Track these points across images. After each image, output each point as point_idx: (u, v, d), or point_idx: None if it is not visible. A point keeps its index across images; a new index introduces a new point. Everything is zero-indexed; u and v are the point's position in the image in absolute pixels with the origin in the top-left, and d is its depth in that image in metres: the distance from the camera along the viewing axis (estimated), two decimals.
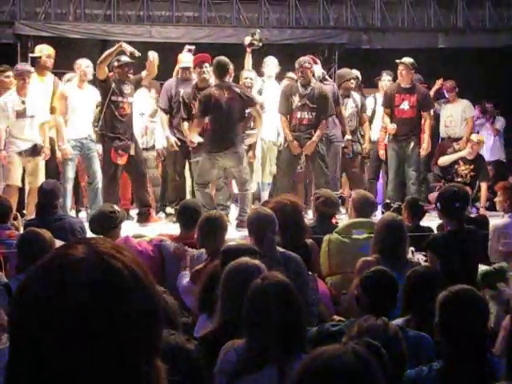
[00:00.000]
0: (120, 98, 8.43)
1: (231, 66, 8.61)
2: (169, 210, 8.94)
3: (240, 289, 3.33)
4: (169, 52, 10.08)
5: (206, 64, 8.52)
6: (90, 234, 6.50)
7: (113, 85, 8.36)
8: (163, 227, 8.09)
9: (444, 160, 9.86)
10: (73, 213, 8.82)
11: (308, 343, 3.18)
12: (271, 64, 9.85)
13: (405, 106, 9.51)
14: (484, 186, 9.92)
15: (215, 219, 5.49)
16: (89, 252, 1.24)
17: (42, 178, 8.38)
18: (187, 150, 8.70)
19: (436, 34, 12.66)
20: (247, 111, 8.40)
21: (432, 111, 10.16)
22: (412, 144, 9.51)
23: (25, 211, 8.35)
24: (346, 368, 1.70)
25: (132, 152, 8.47)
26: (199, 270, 5.05)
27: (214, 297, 3.81)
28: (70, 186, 8.76)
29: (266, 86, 9.74)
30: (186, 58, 9.13)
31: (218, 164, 8.17)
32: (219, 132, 8.07)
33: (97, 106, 8.63)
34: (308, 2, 12.46)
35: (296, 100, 8.88)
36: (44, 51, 9.15)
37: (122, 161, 8.39)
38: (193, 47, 9.45)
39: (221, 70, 8.22)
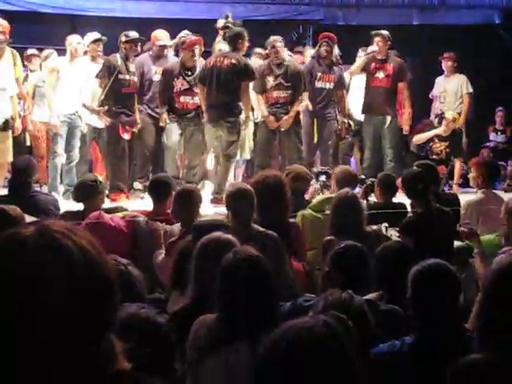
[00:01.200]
0: (127, 76, 8.45)
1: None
2: (136, 185, 8.91)
3: (212, 263, 3.32)
4: (143, 27, 9.97)
5: (197, 46, 8.60)
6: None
7: (119, 62, 8.32)
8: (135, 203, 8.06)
9: (420, 138, 9.86)
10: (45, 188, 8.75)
11: (281, 318, 3.18)
12: None
13: (380, 74, 9.50)
14: (458, 162, 9.95)
15: (190, 192, 5.50)
16: (38, 231, 1.29)
17: (10, 153, 8.32)
18: (158, 125, 8.75)
19: (411, 10, 12.66)
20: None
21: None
22: (388, 119, 9.53)
23: None
24: (317, 339, 1.70)
25: (135, 128, 8.52)
26: (173, 241, 5.05)
27: (187, 273, 3.80)
28: (59, 162, 8.71)
29: None
30: (163, 35, 9.05)
31: (216, 134, 8.19)
32: (214, 100, 8.10)
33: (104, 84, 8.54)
34: None
35: (271, 80, 8.92)
36: None
37: (128, 136, 8.42)
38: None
39: (236, 41, 8.34)
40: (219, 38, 9.44)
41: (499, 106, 11.93)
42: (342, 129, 9.52)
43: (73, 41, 8.78)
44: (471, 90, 10.86)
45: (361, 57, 10.18)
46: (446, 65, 10.83)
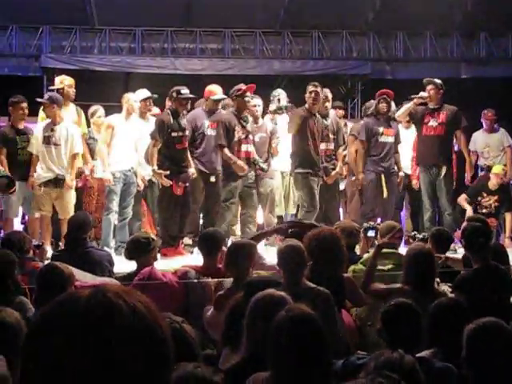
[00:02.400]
0: (180, 133, 8.58)
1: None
2: (186, 240, 8.97)
3: (265, 321, 3.32)
4: (193, 84, 10.16)
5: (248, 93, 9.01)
6: (119, 266, 6.61)
7: (171, 120, 8.50)
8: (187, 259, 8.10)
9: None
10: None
11: (334, 376, 3.17)
12: (283, 95, 9.97)
13: (433, 123, 9.40)
14: (509, 216, 9.85)
15: (243, 246, 5.53)
16: (94, 292, 1.31)
17: (71, 209, 8.47)
18: (207, 180, 8.89)
19: (459, 63, 12.68)
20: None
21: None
22: (444, 170, 9.41)
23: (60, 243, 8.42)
24: None
25: (187, 184, 8.66)
26: (222, 295, 5.07)
27: (238, 329, 3.81)
28: (113, 218, 8.85)
29: (280, 118, 9.86)
30: (217, 90, 9.20)
31: None
32: None
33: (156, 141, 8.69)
34: (331, 34, 12.54)
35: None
36: (65, 82, 9.27)
37: (180, 191, 8.52)
38: None
39: None
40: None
41: None
42: (400, 182, 9.54)
43: (130, 98, 8.96)
44: (511, 142, 10.87)
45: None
46: (488, 121, 10.82)
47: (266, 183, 9.32)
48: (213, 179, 8.89)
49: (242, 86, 9.03)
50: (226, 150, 8.86)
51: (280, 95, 9.98)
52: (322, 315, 3.99)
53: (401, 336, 3.68)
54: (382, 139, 9.36)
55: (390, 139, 9.39)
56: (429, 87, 9.47)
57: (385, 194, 9.26)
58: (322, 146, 9.19)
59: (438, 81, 9.51)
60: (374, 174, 9.31)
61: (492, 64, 12.70)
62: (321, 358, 3.04)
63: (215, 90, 9.15)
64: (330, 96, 9.52)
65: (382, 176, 9.31)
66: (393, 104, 9.52)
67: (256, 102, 9.37)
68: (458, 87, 12.22)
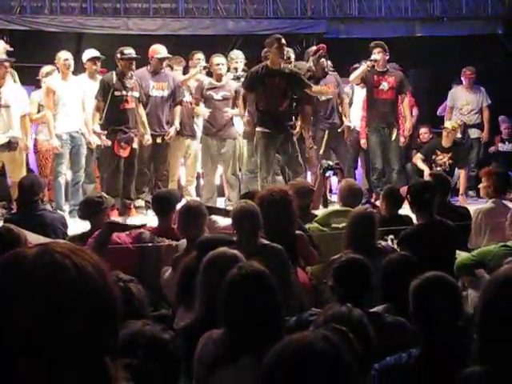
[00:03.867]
0: (124, 92, 8.47)
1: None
2: (138, 202, 8.94)
3: (218, 279, 3.32)
4: (147, 44, 10.01)
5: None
6: (72, 228, 6.56)
7: (114, 79, 8.36)
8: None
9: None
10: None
11: (287, 333, 3.18)
12: (241, 58, 9.90)
13: (384, 86, 9.55)
14: (463, 173, 9.97)
15: (195, 207, 5.51)
16: (40, 250, 1.30)
17: (22, 172, 8.36)
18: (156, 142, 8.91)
19: (413, 22, 12.67)
20: None
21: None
22: (395, 132, 9.58)
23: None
24: (317, 353, 1.70)
25: (135, 145, 8.56)
26: (178, 257, 5.07)
27: (192, 288, 3.81)
28: (62, 181, 8.76)
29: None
30: (161, 49, 9.08)
31: None
32: None
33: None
34: None
35: None
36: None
37: (124, 153, 8.42)
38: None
39: None
40: None
41: (506, 115, 12.00)
42: (347, 132, 9.56)
43: (61, 57, 8.80)
44: (490, 101, 11.08)
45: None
46: (467, 79, 10.98)
47: (229, 144, 9.29)
48: (159, 140, 8.87)
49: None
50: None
51: (237, 58, 9.89)
52: (276, 272, 4.03)
53: (351, 291, 3.71)
54: (323, 98, 9.40)
55: (330, 96, 9.44)
56: (376, 50, 9.57)
57: (321, 151, 9.32)
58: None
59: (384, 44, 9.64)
60: (322, 131, 9.41)
61: (446, 22, 12.72)
62: (273, 315, 3.05)
63: (159, 49, 9.03)
64: (292, 56, 9.49)
65: (326, 132, 9.39)
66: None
67: (219, 60, 9.29)
68: (413, 45, 12.24)
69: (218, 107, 9.14)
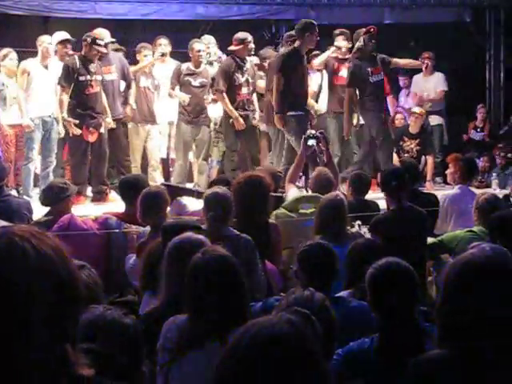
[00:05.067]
0: (88, 77, 8.39)
1: None
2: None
3: (183, 264, 3.30)
4: (114, 29, 9.92)
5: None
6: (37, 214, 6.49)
7: (77, 64, 8.27)
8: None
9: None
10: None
11: (252, 318, 3.17)
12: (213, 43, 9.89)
13: (343, 73, 9.59)
14: (430, 159, 10.03)
15: (155, 193, 5.46)
16: (0, 234, 1.26)
17: None
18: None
19: (382, 9, 12.69)
20: None
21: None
22: (356, 118, 9.64)
23: None
24: (279, 336, 1.69)
25: (102, 130, 8.49)
26: (143, 242, 5.04)
27: (157, 274, 3.79)
28: (32, 167, 8.70)
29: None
30: (105, 33, 9.00)
31: None
32: None
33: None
34: None
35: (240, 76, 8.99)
36: None
37: (92, 138, 8.37)
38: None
39: None
40: None
41: (478, 103, 12.11)
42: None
43: (44, 41, 8.72)
44: (447, 88, 11.10)
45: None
46: (425, 63, 10.93)
47: (203, 130, 9.25)
48: (113, 125, 8.81)
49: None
50: None
51: (210, 43, 9.85)
52: (243, 260, 4.02)
53: (314, 276, 3.70)
54: None
55: None
56: (340, 38, 9.66)
57: None
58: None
59: (348, 32, 9.68)
60: None
61: (415, 10, 12.74)
62: (237, 300, 3.04)
63: (102, 34, 8.94)
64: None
65: None
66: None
67: (200, 47, 9.24)
68: (382, 33, 12.24)
69: (195, 93, 9.12)
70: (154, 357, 3.18)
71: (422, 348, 2.38)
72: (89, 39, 8.45)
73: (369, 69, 9.04)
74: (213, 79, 9.24)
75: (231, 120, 8.96)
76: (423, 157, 10.11)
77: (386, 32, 12.30)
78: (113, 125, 8.73)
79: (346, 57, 9.77)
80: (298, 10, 12.32)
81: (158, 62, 9.53)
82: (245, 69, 9.12)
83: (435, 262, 5.60)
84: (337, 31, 9.85)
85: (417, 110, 10.11)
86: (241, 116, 8.94)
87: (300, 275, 3.86)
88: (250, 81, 9.22)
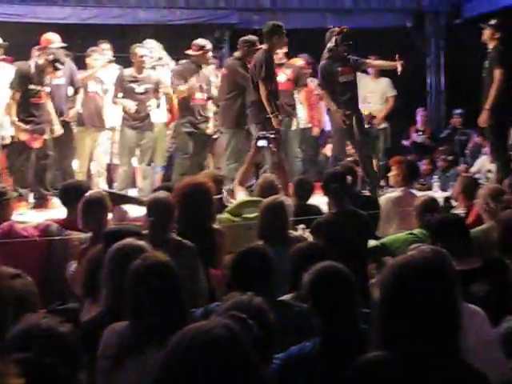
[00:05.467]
0: (39, 87, 8.31)
1: None
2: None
3: (123, 270, 3.27)
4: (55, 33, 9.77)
5: None
6: None
7: (32, 72, 8.19)
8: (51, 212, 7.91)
9: None
10: None
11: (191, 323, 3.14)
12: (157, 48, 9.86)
13: (281, 78, 9.63)
14: (373, 162, 10.11)
15: (95, 199, 5.40)
16: None
17: None
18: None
19: (324, 14, 12.78)
20: None
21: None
22: (295, 121, 9.78)
23: None
24: (216, 340, 1.70)
25: (46, 136, 8.39)
26: (84, 249, 4.98)
27: (98, 281, 3.75)
28: None
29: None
30: (56, 38, 8.87)
31: None
32: None
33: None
34: None
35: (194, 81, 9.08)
36: None
37: (36, 144, 8.25)
38: None
39: None
40: None
41: (419, 107, 12.28)
42: None
43: None
44: (395, 92, 11.29)
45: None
46: (371, 69, 11.08)
47: (148, 136, 9.21)
48: (59, 132, 8.71)
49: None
50: None
51: (153, 48, 9.80)
52: (185, 265, 3.99)
53: (250, 280, 3.66)
54: None
55: None
56: None
57: None
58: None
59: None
60: None
61: (357, 14, 12.87)
62: (177, 305, 3.02)
63: (53, 39, 8.82)
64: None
65: None
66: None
67: (144, 52, 9.17)
68: (324, 37, 12.32)
69: (139, 100, 9.04)
70: (95, 364, 3.14)
71: (363, 351, 2.39)
72: (51, 57, 8.32)
73: (339, 69, 9.09)
74: (156, 84, 9.19)
75: (184, 125, 8.97)
76: None
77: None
78: (59, 132, 8.60)
79: (282, 61, 9.80)
80: (241, 15, 12.35)
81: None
82: (199, 75, 9.12)
83: (377, 265, 5.65)
84: None
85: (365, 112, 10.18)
86: (194, 123, 9.04)
87: (232, 281, 3.78)
88: (205, 87, 9.21)
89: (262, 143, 6.97)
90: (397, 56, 9.44)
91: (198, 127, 9.14)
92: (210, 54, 9.37)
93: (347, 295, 3.14)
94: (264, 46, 8.50)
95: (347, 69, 9.04)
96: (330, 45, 9.15)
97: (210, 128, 9.31)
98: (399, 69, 9.36)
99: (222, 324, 1.73)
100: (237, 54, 9.28)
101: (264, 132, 7.62)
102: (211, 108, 9.46)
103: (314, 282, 3.16)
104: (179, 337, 1.76)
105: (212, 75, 9.74)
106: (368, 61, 9.43)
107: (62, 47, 8.75)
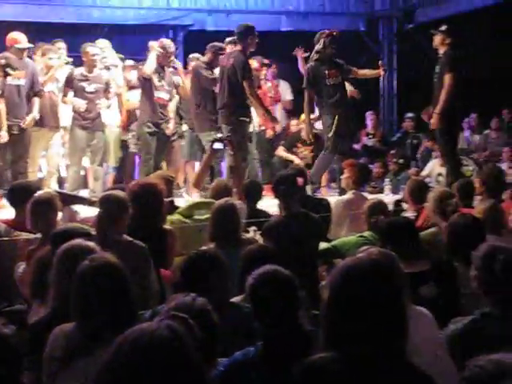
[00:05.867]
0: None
1: None
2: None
3: (71, 271, 3.23)
4: (5, 31, 9.63)
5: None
6: None
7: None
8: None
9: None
10: None
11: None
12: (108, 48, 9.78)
13: None
14: None
15: (45, 200, 5.34)
16: None
17: None
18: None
19: (279, 16, 12.84)
20: None
21: None
22: (255, 123, 9.73)
23: None
24: (159, 341, 1.70)
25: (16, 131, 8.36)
26: (32, 250, 4.93)
27: (46, 282, 3.70)
28: None
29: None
30: (22, 38, 8.78)
31: None
32: None
33: None
34: None
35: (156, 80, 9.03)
36: None
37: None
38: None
39: None
40: None
41: (370, 110, 12.37)
42: None
43: None
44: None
45: None
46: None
47: (98, 136, 9.13)
48: (16, 131, 8.62)
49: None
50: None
51: (105, 47, 9.72)
52: (135, 266, 3.96)
53: (197, 283, 3.65)
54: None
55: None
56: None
57: None
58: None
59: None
60: None
61: (311, 18, 12.96)
62: (125, 307, 3.00)
63: (19, 38, 8.72)
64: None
65: None
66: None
67: (95, 51, 9.08)
68: (278, 40, 12.39)
69: (89, 99, 8.96)
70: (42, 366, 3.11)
71: (307, 353, 2.40)
72: (3, 61, 8.22)
73: (326, 71, 9.11)
74: (107, 84, 9.12)
75: (147, 125, 8.99)
76: None
77: (282, 39, 12.50)
78: (15, 131, 8.48)
79: None
80: (195, 16, 12.34)
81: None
82: (162, 74, 9.11)
83: (328, 267, 5.68)
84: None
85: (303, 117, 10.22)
86: (156, 123, 9.04)
87: (181, 285, 3.77)
88: (167, 88, 9.18)
89: (217, 146, 6.98)
90: (380, 62, 9.56)
91: (160, 127, 9.11)
92: (173, 57, 9.37)
93: (288, 299, 3.13)
94: (238, 48, 8.59)
95: (334, 71, 9.13)
96: (318, 47, 9.21)
97: (169, 129, 9.27)
98: (382, 74, 9.49)
99: (165, 325, 1.73)
100: (204, 57, 9.32)
101: (219, 135, 7.63)
102: (172, 109, 9.43)
103: (254, 286, 3.16)
104: (123, 337, 1.76)
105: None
106: (354, 69, 9.45)
107: (27, 48, 8.66)
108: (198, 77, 9.15)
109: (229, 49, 9.16)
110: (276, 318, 3.08)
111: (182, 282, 3.75)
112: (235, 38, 8.75)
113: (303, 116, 10.25)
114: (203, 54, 9.55)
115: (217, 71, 8.99)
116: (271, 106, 10.60)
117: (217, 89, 8.89)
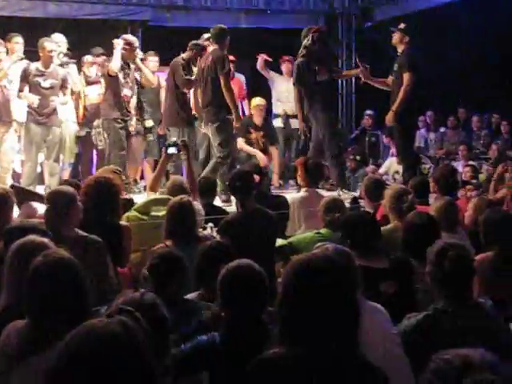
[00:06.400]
0: None
1: None
2: None
3: (25, 267, 3.19)
4: None
5: None
6: None
7: None
8: None
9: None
10: None
11: None
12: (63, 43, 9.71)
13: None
14: (275, 150, 10.16)
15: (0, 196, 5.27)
16: None
17: None
18: None
19: (239, 14, 12.83)
20: None
21: None
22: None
23: None
24: (110, 335, 1.71)
25: None
26: None
27: (0, 278, 3.66)
28: None
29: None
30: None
31: None
32: None
33: None
34: None
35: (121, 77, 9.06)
36: None
37: None
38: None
39: None
40: None
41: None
42: None
43: None
44: None
45: None
46: (286, 67, 11.06)
47: (54, 131, 9.03)
48: None
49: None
50: None
51: (60, 42, 9.62)
52: (91, 261, 3.94)
53: (161, 281, 3.67)
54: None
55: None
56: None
57: None
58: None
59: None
60: None
61: (270, 15, 12.98)
62: (78, 303, 2.97)
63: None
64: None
65: None
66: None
67: (52, 46, 8.98)
68: (238, 37, 12.36)
69: (44, 95, 8.87)
70: None
71: (264, 349, 2.43)
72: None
73: (316, 68, 9.11)
74: (63, 80, 9.05)
75: (117, 121, 9.01)
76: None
77: (242, 36, 12.48)
78: None
79: None
80: (154, 12, 12.27)
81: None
82: (127, 71, 9.11)
83: (285, 264, 5.69)
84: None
85: (259, 101, 10.19)
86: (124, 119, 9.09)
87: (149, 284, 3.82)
88: (131, 84, 9.17)
89: (171, 150, 6.99)
90: (357, 61, 9.61)
91: (126, 123, 9.15)
92: (138, 52, 9.34)
93: (257, 295, 3.17)
94: (215, 47, 8.75)
95: (323, 68, 9.13)
96: (305, 42, 9.21)
97: (132, 125, 9.27)
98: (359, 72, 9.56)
99: (116, 320, 1.73)
100: (184, 54, 9.32)
101: (174, 139, 7.64)
102: (133, 106, 9.38)
103: (224, 280, 3.19)
104: (74, 333, 1.76)
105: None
106: (339, 69, 9.50)
107: None
108: (174, 73, 9.22)
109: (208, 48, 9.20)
110: (244, 310, 3.11)
111: (151, 281, 3.78)
112: (210, 38, 8.89)
113: (254, 101, 10.22)
114: (160, 50, 9.55)
115: (195, 70, 9.06)
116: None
117: (187, 91, 9.16)
